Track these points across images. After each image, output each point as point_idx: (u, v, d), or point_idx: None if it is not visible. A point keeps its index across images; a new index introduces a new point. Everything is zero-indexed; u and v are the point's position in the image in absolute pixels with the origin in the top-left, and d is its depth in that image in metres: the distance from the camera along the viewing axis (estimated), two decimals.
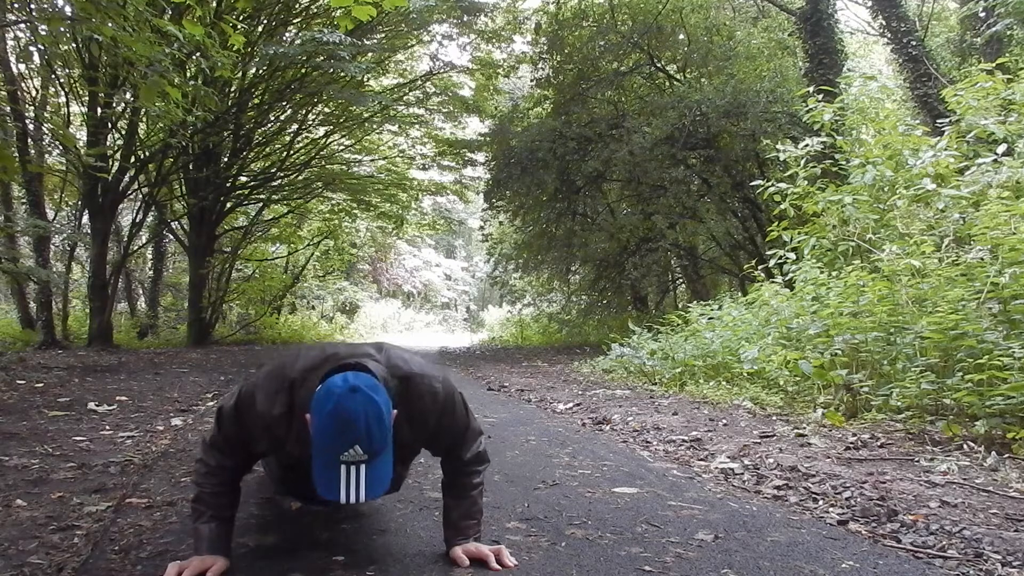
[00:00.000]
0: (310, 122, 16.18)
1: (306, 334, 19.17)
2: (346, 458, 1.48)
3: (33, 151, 11.81)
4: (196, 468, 1.80)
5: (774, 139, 8.63)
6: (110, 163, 11.64)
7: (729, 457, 3.14)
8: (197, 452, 1.84)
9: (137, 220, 13.60)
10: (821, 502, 2.40)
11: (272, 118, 14.90)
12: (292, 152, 16.13)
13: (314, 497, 1.63)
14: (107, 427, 3.88)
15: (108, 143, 12.32)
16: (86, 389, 5.64)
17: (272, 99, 13.91)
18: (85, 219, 13.34)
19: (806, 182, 5.77)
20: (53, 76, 11.73)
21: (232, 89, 13.27)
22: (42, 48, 8.83)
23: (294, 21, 13.49)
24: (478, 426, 1.91)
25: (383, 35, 14.30)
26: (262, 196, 16.66)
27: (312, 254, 19.87)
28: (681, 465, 3.08)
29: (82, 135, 12.16)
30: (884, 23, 10.22)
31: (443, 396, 1.77)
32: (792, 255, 5.67)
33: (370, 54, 13.75)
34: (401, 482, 2.11)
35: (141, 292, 18.39)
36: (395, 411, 1.62)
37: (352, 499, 1.49)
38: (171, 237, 16.34)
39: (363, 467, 1.49)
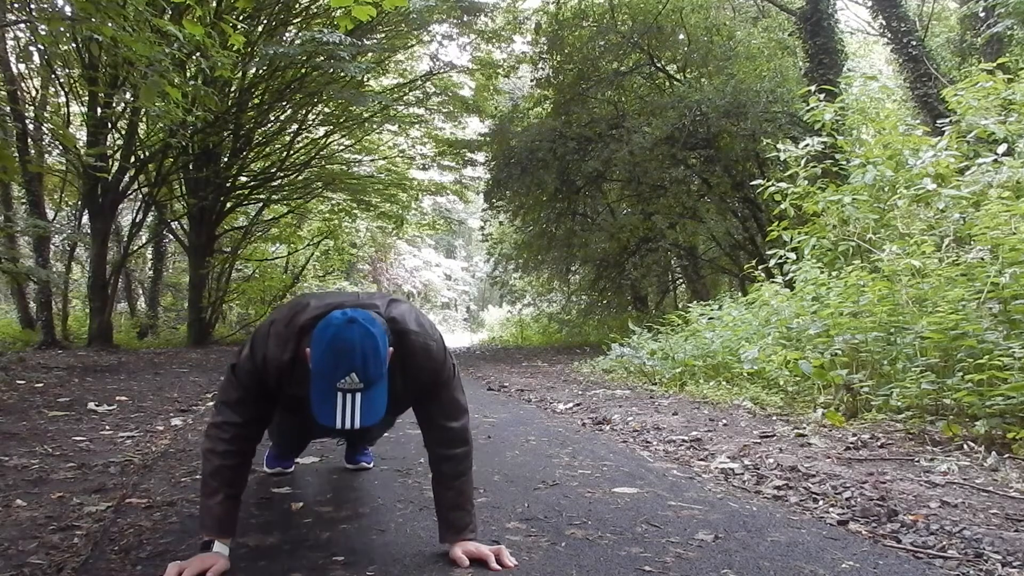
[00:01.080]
0: (310, 122, 16.17)
1: None
2: (343, 385, 1.55)
3: (33, 151, 11.81)
4: (208, 433, 1.82)
5: (774, 139, 8.63)
6: (110, 163, 11.64)
7: (729, 457, 3.14)
8: (210, 418, 1.86)
9: (137, 220, 13.60)
10: (821, 502, 2.40)
11: (272, 118, 14.90)
12: (292, 152, 16.12)
13: (311, 433, 1.66)
14: (107, 427, 3.88)
15: (108, 143, 12.32)
16: (86, 389, 5.64)
17: (272, 99, 13.90)
18: (85, 219, 13.34)
19: (806, 182, 5.77)
20: (53, 76, 11.73)
21: (232, 89, 13.27)
22: (42, 48, 8.84)
23: (294, 21, 13.49)
24: (464, 402, 1.94)
25: (383, 35, 14.30)
26: (262, 196, 16.65)
27: (312, 254, 19.86)
28: (681, 465, 3.08)
29: (82, 135, 12.16)
30: (884, 23, 10.22)
31: (436, 355, 1.83)
32: (792, 255, 5.67)
33: (370, 54, 13.75)
34: (388, 428, 2.19)
35: (141, 292, 18.39)
36: (391, 349, 1.68)
37: (347, 424, 1.55)
38: (171, 237, 16.33)
39: (359, 395, 1.56)
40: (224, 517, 1.74)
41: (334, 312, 1.63)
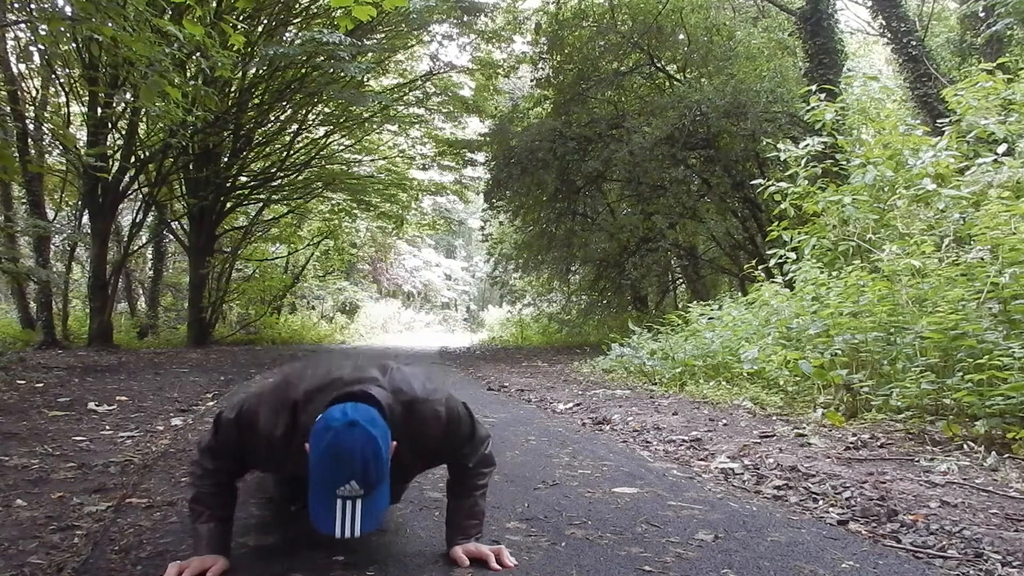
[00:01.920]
0: (310, 122, 16.18)
1: (306, 334, 19.17)
2: (342, 493, 1.48)
3: (33, 151, 11.80)
4: (192, 470, 1.81)
5: (774, 139, 8.62)
6: (110, 163, 11.63)
7: (729, 457, 3.14)
8: (193, 454, 1.85)
9: (137, 220, 13.60)
10: (821, 502, 2.40)
11: (272, 118, 14.90)
12: (292, 152, 16.13)
13: None
14: (107, 427, 3.88)
15: (108, 143, 12.31)
16: (86, 389, 5.64)
17: (272, 99, 13.90)
18: (85, 219, 13.33)
19: (806, 182, 5.77)
20: (53, 76, 11.72)
21: (232, 89, 13.27)
22: (42, 48, 8.84)
23: (294, 21, 13.49)
24: (484, 432, 1.92)
25: (383, 35, 14.30)
26: (262, 196, 16.65)
27: (312, 254, 19.86)
28: (681, 465, 3.08)
29: (82, 135, 12.15)
30: (884, 23, 10.21)
31: (446, 418, 1.78)
32: (792, 255, 5.67)
33: (370, 54, 13.75)
34: (401, 495, 2.12)
35: (141, 292, 18.39)
36: (394, 443, 1.61)
37: (346, 534, 1.48)
38: (171, 237, 16.33)
39: (359, 502, 1.49)
40: (215, 538, 1.71)
41: (333, 411, 1.53)
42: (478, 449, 1.89)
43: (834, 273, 5.10)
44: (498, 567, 1.72)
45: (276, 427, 1.68)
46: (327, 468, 1.49)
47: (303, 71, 13.17)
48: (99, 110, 11.09)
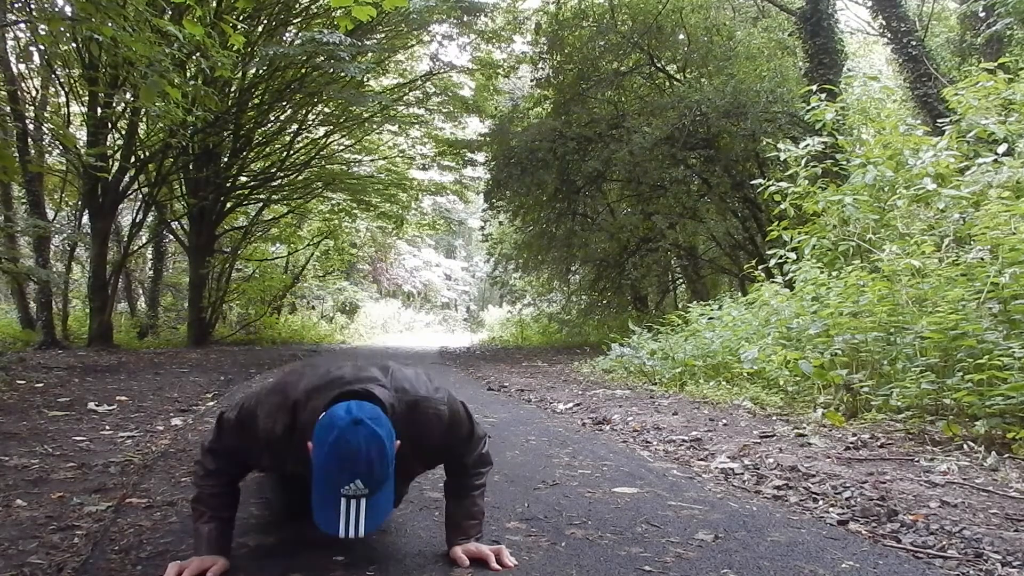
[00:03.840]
0: (310, 122, 16.17)
1: (306, 334, 19.17)
2: (347, 492, 1.46)
3: (33, 151, 11.79)
4: (194, 470, 1.81)
5: (774, 139, 8.63)
6: (110, 163, 11.63)
7: (729, 457, 3.14)
8: (196, 454, 1.85)
9: (137, 220, 13.59)
10: (821, 502, 2.40)
11: (272, 118, 14.89)
12: (292, 152, 16.13)
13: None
14: (107, 427, 3.88)
15: (108, 143, 12.31)
16: (86, 389, 5.64)
17: (272, 99, 13.90)
18: (85, 219, 13.34)
19: (806, 182, 5.77)
20: (53, 76, 11.72)
21: (232, 89, 13.27)
22: (42, 48, 8.83)
23: (294, 21, 13.49)
24: (481, 431, 1.93)
25: (383, 35, 14.29)
26: (262, 196, 16.65)
27: (312, 254, 19.86)
28: (681, 465, 3.08)
29: (82, 135, 12.15)
30: (884, 23, 10.21)
31: (448, 417, 1.78)
32: (792, 255, 5.67)
33: (370, 54, 13.74)
34: (402, 498, 2.12)
35: (141, 292, 18.38)
36: (398, 442, 1.60)
37: (351, 534, 1.47)
38: (171, 237, 16.32)
39: (363, 501, 1.47)
40: (216, 538, 1.71)
41: (337, 409, 1.51)
42: (476, 449, 1.89)
43: (834, 273, 5.10)
44: (498, 567, 1.72)
45: (276, 425, 1.67)
46: (332, 467, 1.47)
47: (303, 71, 13.17)
48: (99, 110, 11.09)
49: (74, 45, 9.60)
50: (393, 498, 1.61)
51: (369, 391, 1.62)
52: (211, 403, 5.16)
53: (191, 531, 1.75)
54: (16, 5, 6.95)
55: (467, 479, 1.88)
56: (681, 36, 13.86)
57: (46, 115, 12.44)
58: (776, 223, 6.10)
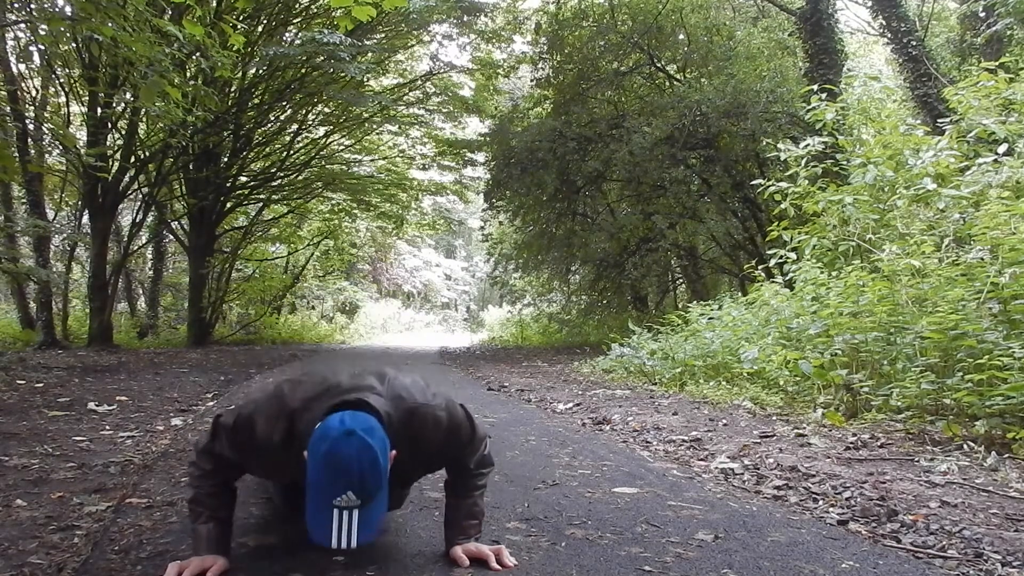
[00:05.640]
0: (310, 122, 16.18)
1: (306, 334, 19.17)
2: (339, 503, 1.47)
3: (33, 151, 11.79)
4: (190, 471, 1.81)
5: (774, 139, 8.62)
6: (110, 163, 11.63)
7: (729, 457, 3.14)
8: (191, 455, 1.85)
9: (137, 220, 13.59)
10: (821, 502, 2.40)
11: (272, 118, 14.89)
12: (292, 152, 16.13)
13: None
14: (107, 427, 3.88)
15: (108, 143, 12.31)
16: (86, 389, 5.64)
17: (272, 99, 13.90)
18: (85, 219, 13.33)
19: (806, 182, 5.77)
20: (53, 76, 11.72)
21: (232, 89, 13.27)
22: (42, 48, 8.83)
23: (294, 21, 13.49)
24: (483, 433, 1.92)
25: (383, 35, 14.30)
26: (262, 196, 16.65)
27: (312, 254, 19.86)
28: (681, 465, 3.07)
29: (82, 135, 12.15)
30: (884, 23, 10.21)
31: (448, 423, 1.78)
32: (792, 255, 5.67)
33: (370, 54, 13.74)
34: (403, 500, 2.12)
35: (141, 292, 18.38)
36: (394, 452, 1.60)
37: (343, 545, 1.47)
38: (171, 237, 16.32)
39: (356, 512, 1.48)
40: (215, 539, 1.71)
41: (331, 419, 1.52)
42: (478, 450, 1.89)
43: (834, 273, 5.10)
44: (498, 567, 1.72)
45: (273, 435, 1.67)
46: (324, 478, 1.47)
47: (303, 71, 13.17)
48: (99, 110, 11.09)
49: (74, 45, 9.61)
50: (387, 508, 1.60)
51: (365, 400, 1.62)
52: (211, 403, 5.16)
53: (190, 531, 1.75)
54: (16, 5, 6.95)
55: (469, 479, 1.88)
56: (681, 36, 13.86)
57: (46, 115, 12.44)
58: (776, 223, 6.10)
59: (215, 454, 1.77)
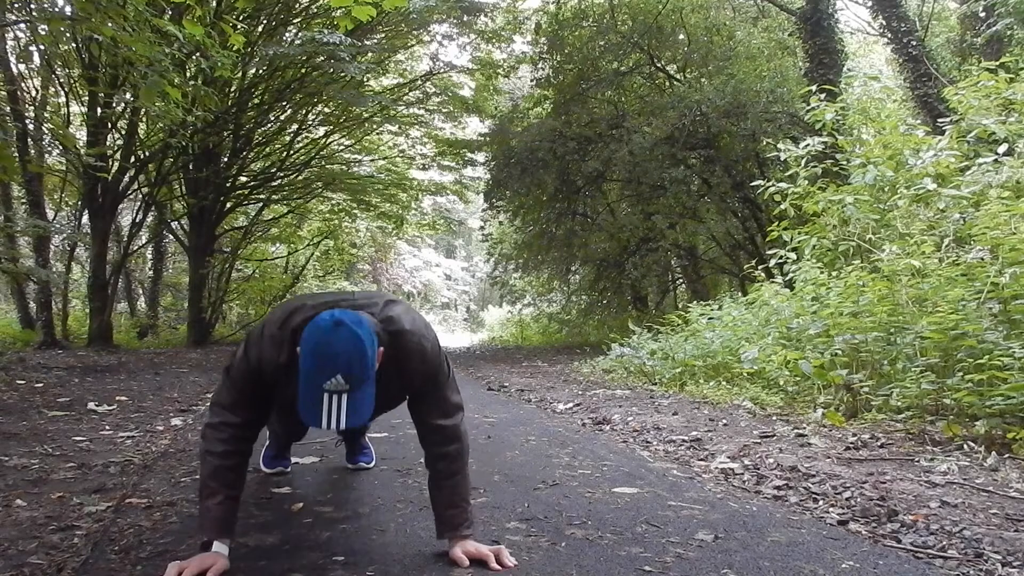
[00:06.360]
0: (310, 122, 16.16)
1: None
2: (328, 387, 1.57)
3: (33, 151, 11.79)
4: (204, 435, 1.83)
5: (774, 139, 8.62)
6: (110, 163, 11.62)
7: (729, 457, 3.14)
8: (206, 417, 1.87)
9: (137, 220, 13.59)
10: (821, 502, 2.40)
11: (272, 118, 14.89)
12: (292, 152, 16.12)
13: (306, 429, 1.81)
14: (107, 427, 3.88)
15: (108, 143, 12.31)
16: (86, 389, 5.64)
17: (272, 99, 13.90)
18: (85, 219, 13.33)
19: (806, 182, 5.77)
20: (53, 76, 11.72)
21: (232, 89, 13.26)
22: (42, 48, 8.83)
23: (294, 21, 13.48)
24: (458, 401, 1.95)
25: (383, 35, 14.28)
26: (262, 196, 16.64)
27: (312, 254, 19.85)
28: (681, 465, 3.07)
29: (82, 135, 12.14)
30: (884, 23, 10.21)
31: (430, 356, 1.85)
32: (792, 255, 5.67)
33: (370, 54, 13.74)
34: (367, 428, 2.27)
35: (141, 292, 18.39)
36: (381, 348, 1.70)
37: (332, 425, 1.57)
38: (171, 237, 16.32)
39: (344, 396, 1.58)
40: (224, 518, 1.74)
41: (322, 314, 1.64)
42: (451, 413, 1.90)
43: (834, 273, 5.10)
44: (498, 567, 1.72)
45: (280, 353, 1.76)
46: (314, 363, 1.58)
47: (303, 71, 13.16)
48: (99, 110, 11.08)
49: (74, 45, 9.60)
50: (374, 400, 1.66)
51: (356, 307, 1.76)
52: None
53: (191, 530, 1.75)
54: (16, 5, 6.95)
55: (441, 461, 1.87)
56: (681, 36, 13.87)
57: (46, 115, 12.42)
58: (776, 223, 6.10)
59: (231, 397, 1.82)
